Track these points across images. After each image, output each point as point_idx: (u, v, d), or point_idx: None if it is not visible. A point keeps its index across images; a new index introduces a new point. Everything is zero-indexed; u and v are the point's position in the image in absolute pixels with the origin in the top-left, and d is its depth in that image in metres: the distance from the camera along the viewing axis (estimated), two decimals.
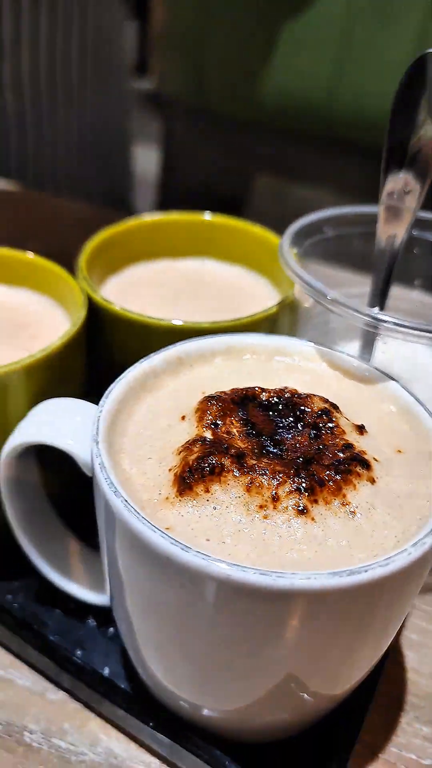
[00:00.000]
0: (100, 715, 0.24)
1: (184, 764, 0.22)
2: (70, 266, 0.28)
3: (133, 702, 0.23)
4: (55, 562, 0.25)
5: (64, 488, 0.26)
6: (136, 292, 0.29)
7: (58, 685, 0.25)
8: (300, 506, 0.17)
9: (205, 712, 0.21)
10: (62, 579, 0.25)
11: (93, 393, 0.24)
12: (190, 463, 0.17)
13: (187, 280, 0.31)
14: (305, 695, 0.20)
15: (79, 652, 0.24)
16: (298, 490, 0.17)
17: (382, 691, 0.25)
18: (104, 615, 0.26)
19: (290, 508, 0.17)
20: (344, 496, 0.17)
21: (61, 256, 0.28)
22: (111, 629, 0.26)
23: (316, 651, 0.17)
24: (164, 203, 1.22)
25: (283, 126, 1.04)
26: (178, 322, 0.25)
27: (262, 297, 0.29)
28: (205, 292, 0.30)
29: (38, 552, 0.24)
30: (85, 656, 0.24)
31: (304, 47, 0.94)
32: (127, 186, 0.94)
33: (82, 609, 0.26)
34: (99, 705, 0.23)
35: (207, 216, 0.32)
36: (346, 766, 0.22)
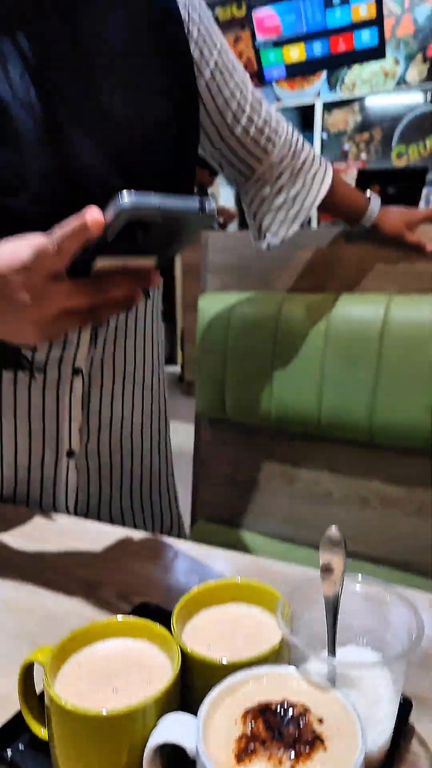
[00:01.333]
0: None
1: None
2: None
3: None
4: None
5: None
6: (198, 634, 0.53)
7: None
8: (293, 764, 0.38)
9: None
10: None
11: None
12: (241, 747, 0.39)
13: (229, 621, 0.54)
14: None
15: None
16: (291, 756, 0.38)
17: None
18: None
19: (289, 765, 0.38)
20: (312, 756, 0.38)
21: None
22: None
23: None
24: (197, 493, 1.52)
25: (286, 429, 1.37)
26: (225, 661, 0.48)
27: (276, 630, 0.52)
28: (241, 624, 0.53)
29: None
30: None
31: (297, 374, 1.30)
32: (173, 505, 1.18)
33: None
34: None
35: (238, 579, 0.57)
36: None
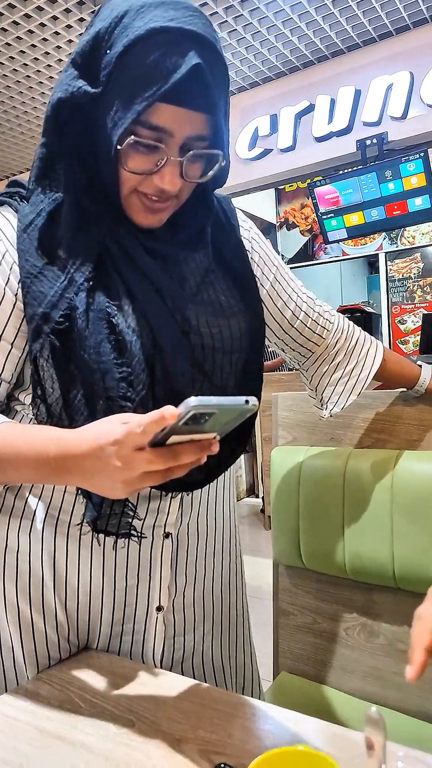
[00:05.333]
0: None
1: None
2: None
3: None
4: None
5: None
6: None
7: None
8: None
9: None
10: None
11: None
12: None
13: None
14: None
15: None
16: None
17: None
18: None
19: None
20: None
21: None
22: None
23: None
24: (277, 642, 1.54)
25: (361, 580, 1.41)
26: None
27: None
28: None
29: None
30: None
31: (367, 526, 1.36)
32: None
33: None
34: None
35: (299, 747, 0.63)
36: None
